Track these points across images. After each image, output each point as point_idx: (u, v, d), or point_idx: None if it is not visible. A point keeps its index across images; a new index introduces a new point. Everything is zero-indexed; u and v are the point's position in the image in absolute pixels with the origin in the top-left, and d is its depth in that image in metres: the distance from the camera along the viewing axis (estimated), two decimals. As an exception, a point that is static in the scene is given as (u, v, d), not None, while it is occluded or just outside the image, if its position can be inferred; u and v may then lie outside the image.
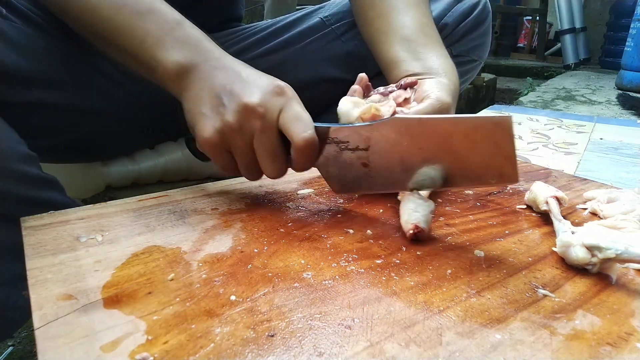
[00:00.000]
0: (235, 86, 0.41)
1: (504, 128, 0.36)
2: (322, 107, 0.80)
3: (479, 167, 0.38)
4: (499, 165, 0.38)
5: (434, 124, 0.38)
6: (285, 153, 0.42)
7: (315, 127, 0.41)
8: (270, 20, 0.81)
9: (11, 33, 0.51)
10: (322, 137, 0.41)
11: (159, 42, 0.44)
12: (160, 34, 0.44)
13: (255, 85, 0.41)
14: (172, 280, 0.31)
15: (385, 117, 0.43)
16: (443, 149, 0.39)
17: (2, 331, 0.48)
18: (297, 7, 1.98)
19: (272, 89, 0.41)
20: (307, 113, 0.41)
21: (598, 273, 0.35)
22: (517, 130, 1.38)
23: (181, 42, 0.44)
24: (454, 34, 0.72)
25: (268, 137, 0.40)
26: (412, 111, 0.46)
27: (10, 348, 0.70)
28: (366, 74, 0.50)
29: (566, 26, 3.70)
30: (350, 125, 0.41)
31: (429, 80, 0.49)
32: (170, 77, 0.44)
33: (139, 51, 0.46)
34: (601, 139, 1.31)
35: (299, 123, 0.40)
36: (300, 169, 0.42)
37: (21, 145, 0.47)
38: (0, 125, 0.45)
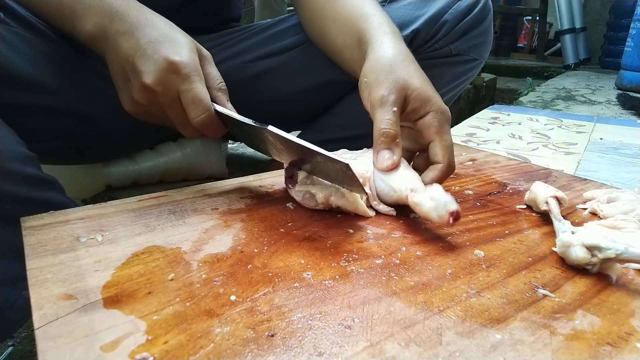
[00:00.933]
0: (136, 60, 0.44)
1: (346, 171, 0.39)
2: (323, 109, 0.80)
3: (333, 181, 0.44)
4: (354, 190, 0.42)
5: (297, 147, 0.42)
6: None
7: (217, 111, 0.45)
8: (269, 20, 0.81)
9: (9, 37, 0.51)
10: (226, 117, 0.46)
11: (73, 12, 0.47)
12: (72, 3, 0.47)
13: (152, 61, 0.43)
14: (172, 280, 0.31)
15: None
16: (307, 163, 0.44)
17: (1, 331, 0.48)
18: (290, 9, 1.98)
19: (167, 66, 0.43)
20: (204, 89, 0.44)
21: (598, 273, 0.35)
22: (517, 130, 1.38)
23: (91, 7, 0.46)
24: (453, 32, 0.72)
25: (174, 111, 0.44)
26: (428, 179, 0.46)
27: (11, 348, 0.70)
28: None
29: (566, 26, 3.70)
30: (236, 118, 0.44)
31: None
32: (90, 45, 0.47)
33: (62, 23, 0.49)
34: (601, 139, 1.31)
35: (193, 107, 0.43)
36: (209, 137, 0.47)
37: (20, 146, 0.47)
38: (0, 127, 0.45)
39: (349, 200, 0.42)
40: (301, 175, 0.45)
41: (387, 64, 0.48)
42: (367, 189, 0.44)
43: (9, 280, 0.44)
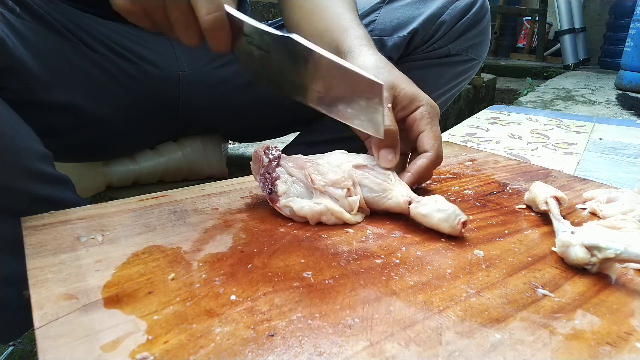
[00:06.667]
0: None
1: (375, 91, 0.39)
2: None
3: (346, 112, 0.42)
4: (369, 119, 0.41)
5: (319, 59, 0.40)
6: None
7: (229, 13, 0.39)
8: (270, 21, 0.81)
9: (25, 32, 0.51)
10: (235, 25, 0.41)
11: None
12: None
13: None
14: (172, 280, 0.31)
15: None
16: (321, 81, 0.42)
17: (13, 331, 0.48)
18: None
19: None
20: None
21: (597, 273, 0.35)
22: (516, 131, 1.38)
23: None
24: (451, 32, 0.72)
25: (178, 7, 0.39)
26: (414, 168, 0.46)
27: (11, 348, 0.70)
28: None
29: (565, 26, 3.71)
30: (254, 24, 0.40)
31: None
32: None
33: None
34: (600, 139, 1.31)
35: (205, 2, 0.38)
36: (213, 48, 0.41)
37: (38, 144, 0.47)
38: (20, 124, 0.45)
39: (335, 212, 0.41)
40: (280, 187, 0.42)
41: (372, 68, 0.48)
42: (358, 194, 0.43)
43: (23, 279, 0.44)
